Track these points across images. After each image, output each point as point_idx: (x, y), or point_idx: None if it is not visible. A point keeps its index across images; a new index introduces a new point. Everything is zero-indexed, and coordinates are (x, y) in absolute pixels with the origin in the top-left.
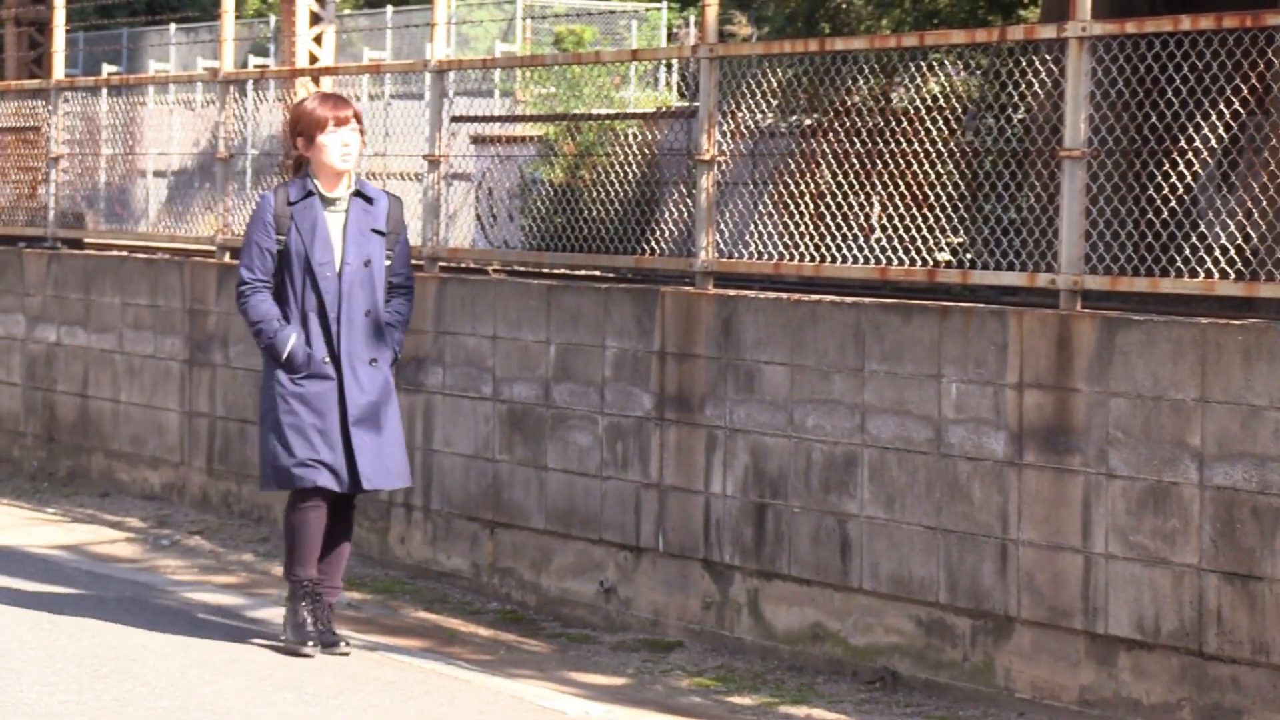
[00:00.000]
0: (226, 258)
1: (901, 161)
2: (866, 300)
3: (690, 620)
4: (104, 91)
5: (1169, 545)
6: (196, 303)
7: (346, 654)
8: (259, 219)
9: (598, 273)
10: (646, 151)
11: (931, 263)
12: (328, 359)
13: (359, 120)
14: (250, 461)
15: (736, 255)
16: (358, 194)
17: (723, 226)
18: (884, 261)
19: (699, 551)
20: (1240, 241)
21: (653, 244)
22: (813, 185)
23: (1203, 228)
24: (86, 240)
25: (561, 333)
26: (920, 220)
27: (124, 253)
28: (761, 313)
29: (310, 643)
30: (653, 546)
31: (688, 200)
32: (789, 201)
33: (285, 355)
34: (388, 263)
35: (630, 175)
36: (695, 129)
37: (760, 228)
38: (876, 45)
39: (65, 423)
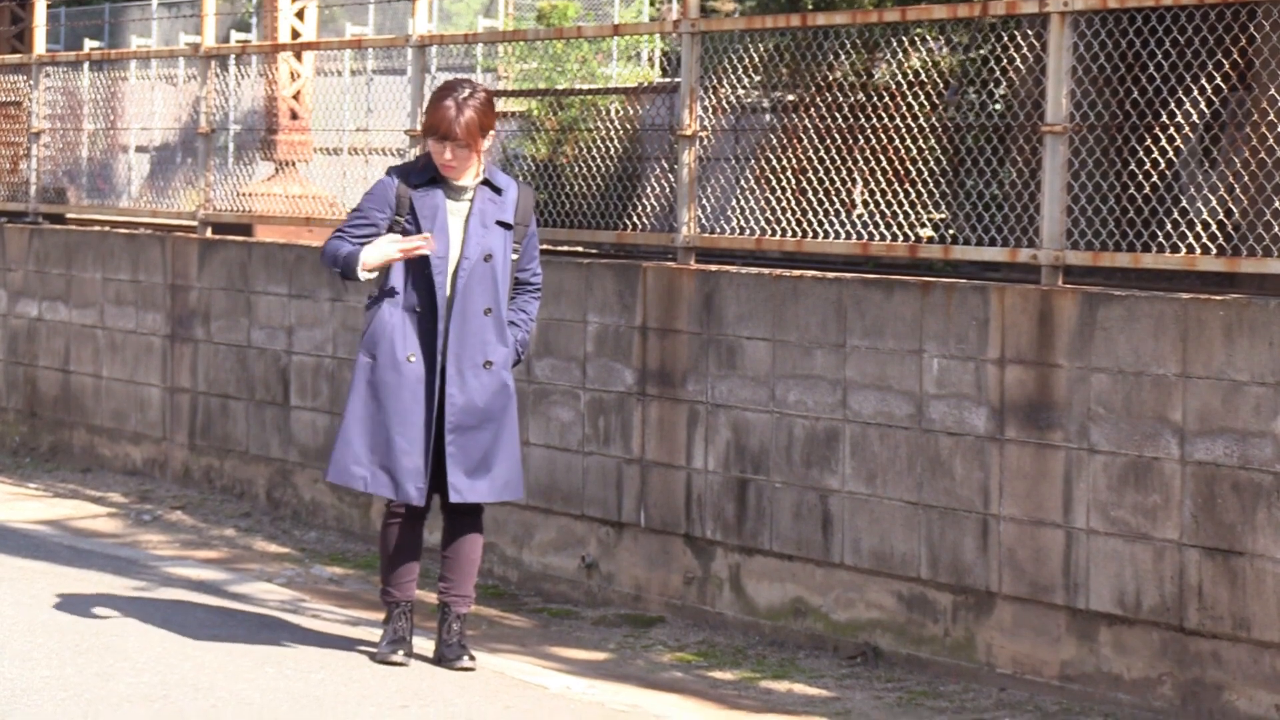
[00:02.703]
0: (208, 233)
1: (883, 137)
2: (848, 276)
3: (672, 595)
4: (86, 66)
5: (1150, 521)
6: (178, 278)
7: (471, 669)
8: (380, 195)
9: (580, 248)
10: (629, 127)
11: (913, 238)
12: (413, 356)
13: (472, 142)
14: (232, 436)
15: (718, 231)
16: (486, 183)
17: (704, 202)
18: (866, 237)
19: (680, 527)
20: (1222, 217)
21: (635, 219)
22: (795, 161)
23: (1185, 203)
24: (68, 215)
25: (543, 308)
26: (902, 196)
27: (106, 228)
28: (743, 288)
29: (401, 651)
30: (634, 522)
31: (670, 175)
32: (771, 177)
33: (356, 268)
34: (514, 257)
35: (612, 150)
36: (677, 104)
37: (742, 203)
38: (858, 20)
39: (47, 398)
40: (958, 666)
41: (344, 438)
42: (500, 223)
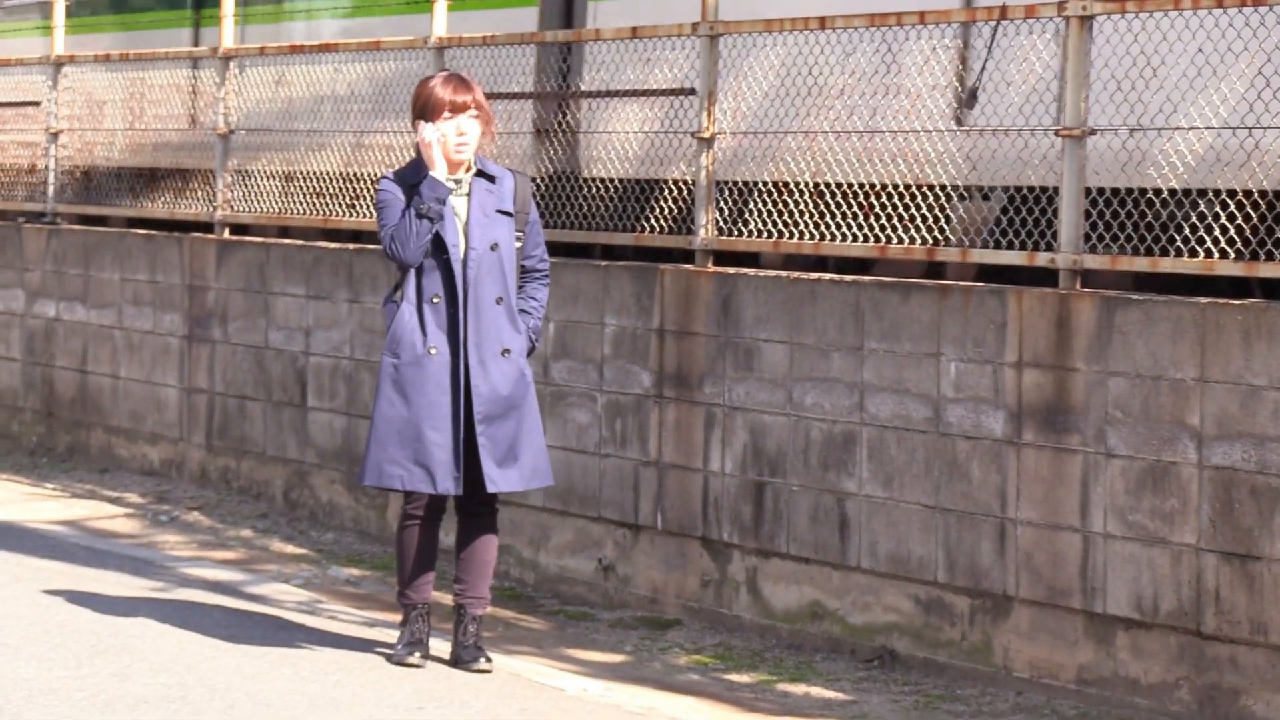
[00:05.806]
0: (225, 233)
1: (901, 139)
2: (866, 279)
3: (688, 598)
4: (104, 66)
5: (1167, 525)
6: (196, 279)
7: (488, 671)
8: (391, 195)
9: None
10: (646, 128)
11: (931, 241)
12: (434, 349)
13: (481, 108)
14: (249, 437)
15: (736, 233)
16: (480, 174)
17: (722, 204)
18: (884, 240)
19: (697, 529)
20: (1240, 221)
21: (652, 222)
22: (812, 163)
23: (1203, 207)
24: (86, 215)
25: (560, 310)
26: (920, 199)
27: (123, 228)
28: (761, 291)
29: (418, 653)
30: (651, 524)
31: (687, 178)
32: (789, 179)
33: (426, 209)
34: (518, 245)
35: (630, 152)
36: (695, 106)
37: (760, 205)
38: (877, 22)
39: (64, 398)
40: (975, 670)
41: (376, 440)
42: (501, 211)
